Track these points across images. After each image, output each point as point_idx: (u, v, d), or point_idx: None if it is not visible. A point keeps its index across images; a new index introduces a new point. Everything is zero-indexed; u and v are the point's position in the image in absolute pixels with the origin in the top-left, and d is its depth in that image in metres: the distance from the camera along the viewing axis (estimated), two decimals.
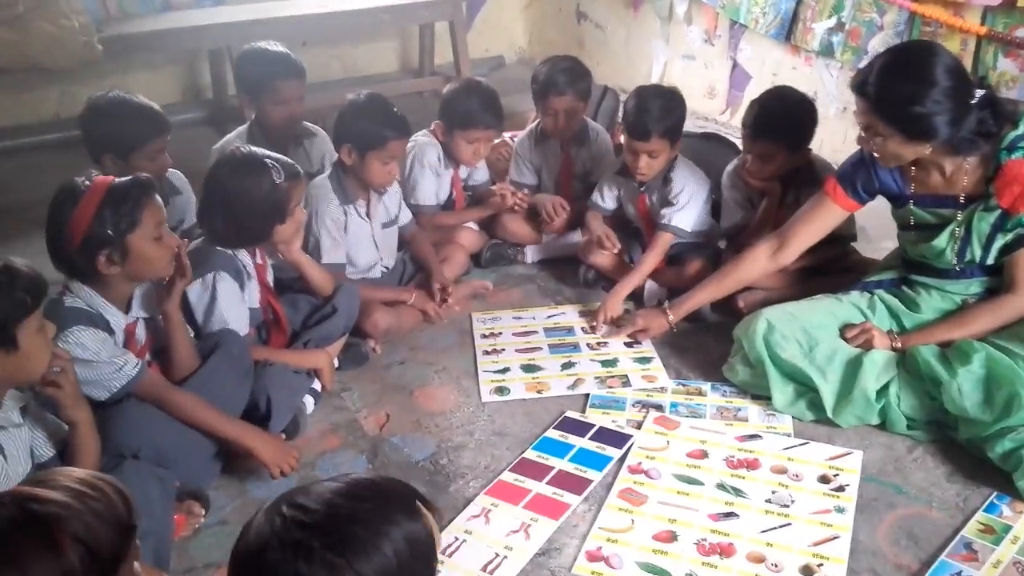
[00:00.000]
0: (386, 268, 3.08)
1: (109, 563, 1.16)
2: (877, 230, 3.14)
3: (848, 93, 4.00)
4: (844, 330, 2.50)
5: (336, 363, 2.70)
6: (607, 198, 3.19)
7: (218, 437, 2.20)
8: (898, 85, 2.22)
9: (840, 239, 2.82)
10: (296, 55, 3.21)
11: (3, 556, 1.10)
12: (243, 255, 2.47)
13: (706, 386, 2.63)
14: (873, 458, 2.30)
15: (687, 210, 3.01)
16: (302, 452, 2.32)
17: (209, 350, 2.30)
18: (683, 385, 2.64)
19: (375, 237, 2.98)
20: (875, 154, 2.37)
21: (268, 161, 2.39)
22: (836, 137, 3.93)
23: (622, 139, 3.79)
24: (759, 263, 2.68)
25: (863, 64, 2.43)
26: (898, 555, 2.00)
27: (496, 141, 3.40)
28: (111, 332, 2.10)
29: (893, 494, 2.19)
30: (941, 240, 2.40)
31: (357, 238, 2.93)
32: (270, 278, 2.61)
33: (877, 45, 3.82)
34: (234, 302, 2.40)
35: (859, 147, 2.48)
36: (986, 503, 2.13)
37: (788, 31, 4.22)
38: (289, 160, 2.47)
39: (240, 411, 2.29)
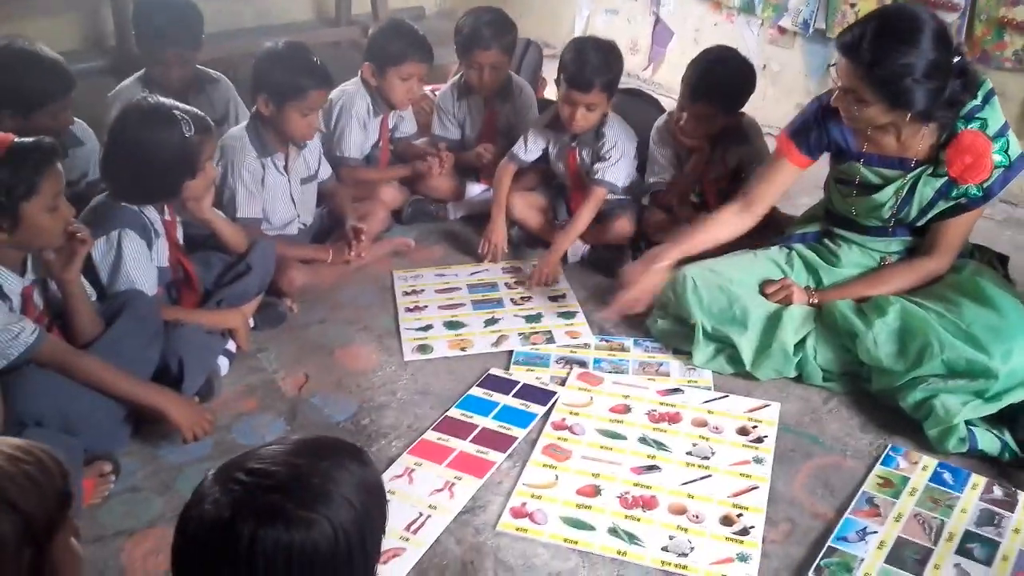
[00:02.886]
0: (303, 225, 2.99)
1: (43, 532, 1.11)
2: (794, 187, 3.17)
3: (768, 50, 4.11)
4: (764, 286, 2.53)
5: (252, 323, 2.62)
6: (531, 149, 3.13)
7: (128, 401, 2.11)
8: (894, 55, 2.14)
9: None
10: (195, 10, 3.03)
11: None
12: (150, 211, 2.36)
13: (628, 341, 2.64)
14: (790, 410, 2.35)
15: (619, 165, 2.99)
16: (217, 415, 2.26)
17: (115, 311, 2.19)
18: (606, 341, 2.65)
19: (292, 193, 2.88)
20: (848, 115, 2.31)
21: (177, 113, 2.27)
22: (756, 94, 3.96)
23: (545, 94, 3.77)
24: (730, 224, 2.59)
25: (850, 25, 2.29)
26: (814, 503, 2.05)
27: (419, 94, 3.32)
28: (6, 298, 1.97)
29: (809, 444, 2.24)
30: (884, 194, 2.39)
31: (274, 193, 2.83)
32: (180, 235, 2.49)
33: (797, 3, 3.85)
34: (141, 261, 2.29)
35: (811, 103, 2.47)
36: (883, 456, 2.18)
37: None
38: (200, 113, 2.35)
39: (150, 374, 2.20)
